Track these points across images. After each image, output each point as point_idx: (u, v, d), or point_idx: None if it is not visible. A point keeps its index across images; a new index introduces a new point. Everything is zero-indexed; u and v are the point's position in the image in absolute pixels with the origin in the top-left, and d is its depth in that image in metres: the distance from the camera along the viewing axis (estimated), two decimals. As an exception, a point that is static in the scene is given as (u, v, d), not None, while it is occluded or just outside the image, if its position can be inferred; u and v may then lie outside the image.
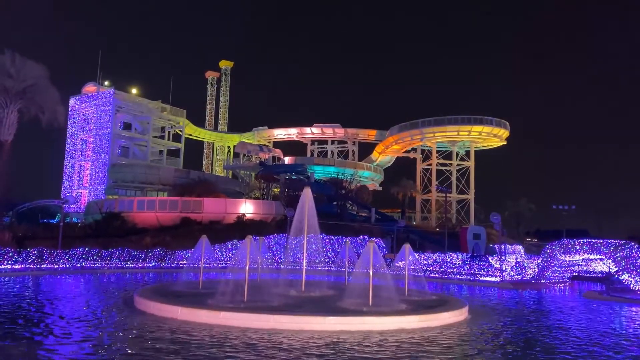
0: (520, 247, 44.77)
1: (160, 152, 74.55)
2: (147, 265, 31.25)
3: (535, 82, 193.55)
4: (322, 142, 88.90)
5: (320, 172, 71.29)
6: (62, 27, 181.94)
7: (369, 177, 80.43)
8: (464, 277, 29.38)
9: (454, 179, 72.55)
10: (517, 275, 28.22)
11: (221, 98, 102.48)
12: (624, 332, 13.58)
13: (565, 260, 26.61)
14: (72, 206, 58.04)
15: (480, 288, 26.26)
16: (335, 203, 58.14)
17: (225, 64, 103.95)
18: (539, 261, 28.34)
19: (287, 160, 75.74)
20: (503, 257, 30.53)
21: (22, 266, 26.60)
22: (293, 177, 65.71)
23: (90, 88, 68.02)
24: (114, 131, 64.04)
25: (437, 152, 73.63)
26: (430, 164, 74.00)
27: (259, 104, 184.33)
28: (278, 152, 78.29)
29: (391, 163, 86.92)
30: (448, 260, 31.46)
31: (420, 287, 18.87)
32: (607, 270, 26.40)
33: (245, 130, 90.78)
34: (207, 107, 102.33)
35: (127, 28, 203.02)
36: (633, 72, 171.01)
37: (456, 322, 13.89)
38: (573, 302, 20.96)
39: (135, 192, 63.79)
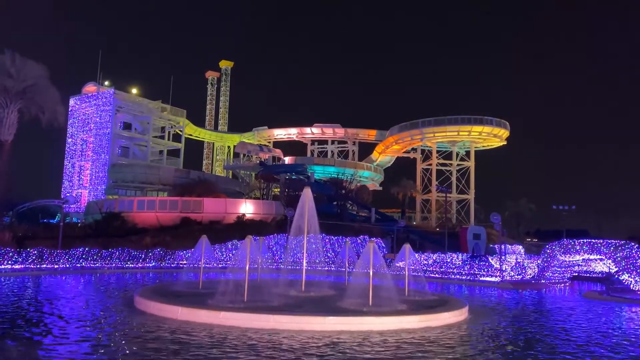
0: (520, 247, 44.72)
1: (160, 152, 74.55)
2: (147, 265, 31.25)
3: (535, 82, 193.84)
4: (322, 142, 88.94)
5: (320, 172, 71.29)
6: (62, 27, 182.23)
7: (369, 177, 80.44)
8: (464, 277, 29.37)
9: (454, 179, 72.57)
10: (517, 275, 28.21)
11: (221, 98, 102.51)
12: (624, 332, 13.57)
13: (565, 261, 26.59)
14: (72, 206, 58.06)
15: (480, 288, 26.25)
16: (335, 203, 58.16)
17: (225, 64, 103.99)
18: (539, 261, 28.32)
19: (287, 160, 75.76)
20: (503, 257, 30.51)
21: (22, 266, 26.60)
22: (293, 177, 65.72)
23: (90, 88, 68.04)
24: (114, 131, 64.06)
25: (437, 152, 73.63)
26: (431, 164, 74.01)
27: (259, 104, 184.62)
28: (278, 152, 78.30)
29: (391, 163, 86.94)
30: (448, 260, 31.45)
31: (420, 287, 18.84)
32: (607, 271, 26.39)
33: (245, 130, 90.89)
34: (207, 107, 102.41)
35: (127, 28, 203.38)
36: (633, 72, 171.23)
37: (456, 322, 13.88)
38: (573, 302, 20.94)
39: (135, 192, 63.81)
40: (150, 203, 47.90)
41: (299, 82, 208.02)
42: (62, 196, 61.30)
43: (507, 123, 70.71)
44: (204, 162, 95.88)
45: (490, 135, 70.75)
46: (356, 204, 64.74)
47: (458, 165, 73.15)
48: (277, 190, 68.05)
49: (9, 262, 26.29)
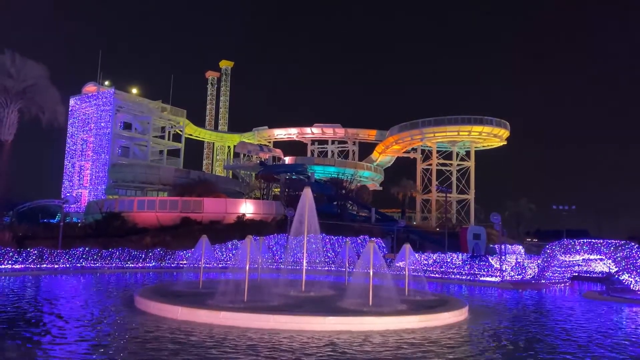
0: (520, 247, 44.71)
1: (161, 152, 74.56)
2: (147, 265, 31.24)
3: (535, 82, 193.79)
4: (322, 142, 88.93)
5: (320, 172, 71.28)
6: (62, 27, 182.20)
7: (369, 177, 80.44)
8: (464, 277, 29.36)
9: (454, 179, 72.56)
10: (517, 275, 28.21)
11: (221, 98, 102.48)
12: (624, 332, 13.57)
13: (566, 261, 26.60)
14: (72, 206, 58.02)
15: (481, 288, 26.24)
16: (335, 203, 58.16)
17: (225, 64, 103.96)
18: (539, 261, 28.32)
19: (287, 160, 75.75)
20: (503, 257, 30.50)
21: (22, 266, 26.60)
22: (293, 177, 65.70)
23: (90, 88, 68.04)
24: (114, 131, 64.06)
25: (437, 152, 73.61)
26: (431, 164, 73.99)
27: (259, 104, 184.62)
28: (278, 152, 78.29)
29: (391, 163, 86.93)
30: (448, 260, 31.44)
31: (420, 287, 18.84)
32: (607, 271, 26.40)
33: (245, 130, 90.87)
34: (207, 107, 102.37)
35: (127, 28, 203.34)
36: (633, 72, 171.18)
37: (456, 322, 13.88)
38: (573, 302, 20.95)
39: (135, 192, 63.78)
40: (150, 203, 47.90)
41: (299, 82, 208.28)
42: (62, 196, 61.30)
43: (507, 123, 70.72)
44: (204, 162, 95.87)
45: (490, 135, 70.74)
46: (356, 204, 64.74)
47: (458, 165, 73.15)
48: (277, 190, 68.04)
49: (9, 262, 26.28)
